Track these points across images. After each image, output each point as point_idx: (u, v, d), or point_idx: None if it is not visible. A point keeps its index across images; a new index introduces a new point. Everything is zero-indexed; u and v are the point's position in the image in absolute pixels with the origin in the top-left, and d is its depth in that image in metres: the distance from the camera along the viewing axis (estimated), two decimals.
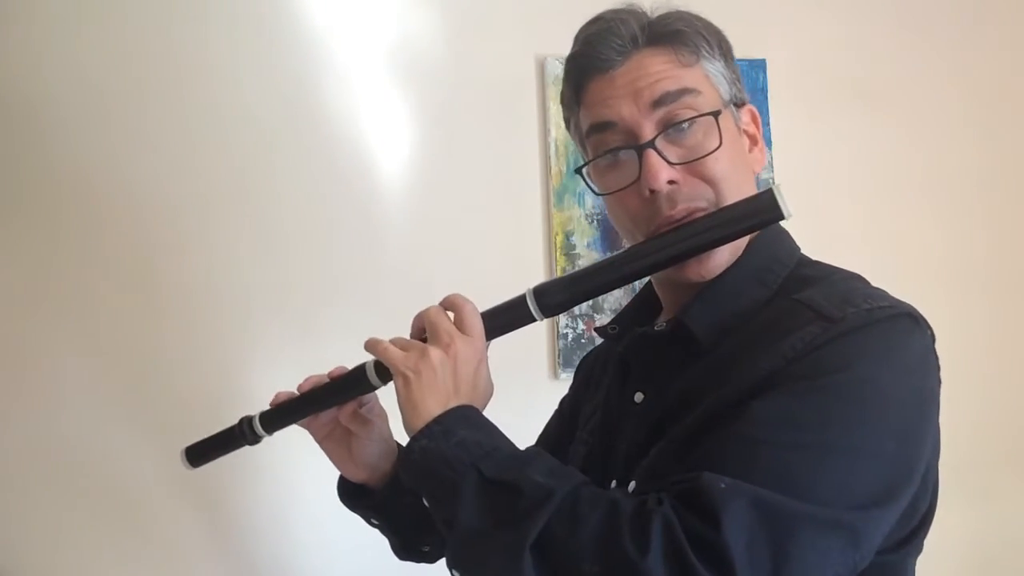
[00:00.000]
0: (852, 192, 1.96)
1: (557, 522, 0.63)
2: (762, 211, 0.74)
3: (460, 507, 0.66)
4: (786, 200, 0.72)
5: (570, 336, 1.74)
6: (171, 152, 1.61)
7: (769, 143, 1.90)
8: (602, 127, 0.80)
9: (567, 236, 1.76)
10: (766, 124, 1.91)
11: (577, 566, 0.61)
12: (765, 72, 1.91)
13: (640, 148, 0.77)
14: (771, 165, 1.89)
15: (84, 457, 1.53)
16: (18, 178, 1.57)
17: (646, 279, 0.91)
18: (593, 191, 0.85)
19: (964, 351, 1.94)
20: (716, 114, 0.78)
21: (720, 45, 0.83)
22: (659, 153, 0.77)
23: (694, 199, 0.78)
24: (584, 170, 0.85)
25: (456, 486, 0.67)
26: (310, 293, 1.65)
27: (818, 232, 1.89)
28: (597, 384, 0.95)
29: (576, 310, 1.74)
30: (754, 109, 0.88)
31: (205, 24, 1.65)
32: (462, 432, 0.71)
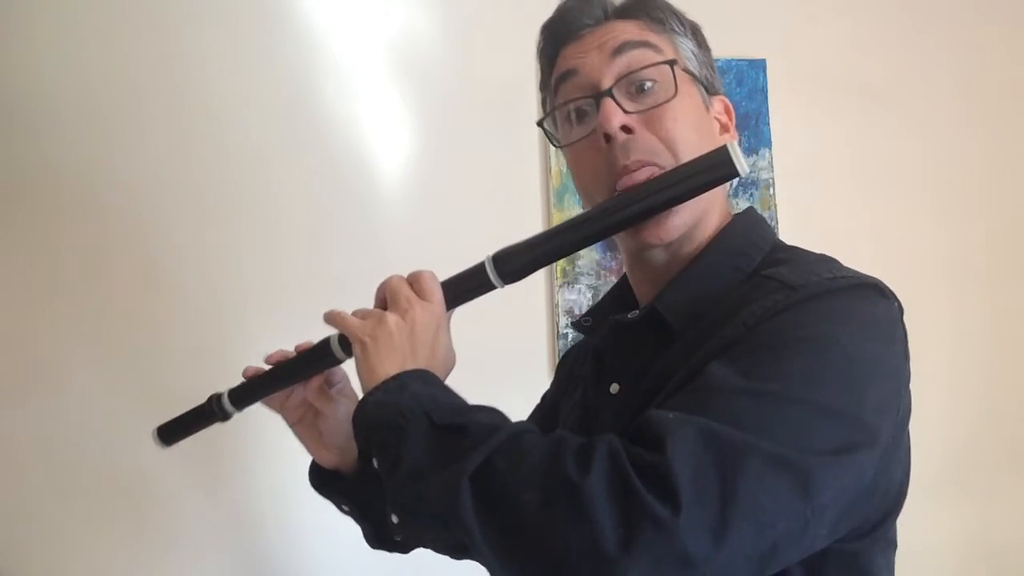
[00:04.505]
0: (852, 191, 1.96)
1: (499, 456, 0.62)
2: (716, 167, 0.74)
3: (405, 449, 0.65)
4: (740, 156, 0.72)
5: (570, 336, 1.74)
6: (171, 151, 1.61)
7: (769, 143, 1.90)
8: (566, 75, 0.83)
9: None
10: (766, 124, 1.91)
11: (516, 496, 0.60)
12: (765, 72, 1.91)
13: (599, 96, 0.79)
14: (771, 165, 1.89)
15: (87, 455, 1.53)
16: (17, 178, 1.56)
17: (622, 274, 0.92)
18: (554, 144, 0.88)
19: (965, 349, 1.94)
20: (671, 63, 0.80)
21: (694, 31, 0.86)
22: (616, 101, 0.78)
23: (649, 153, 0.78)
24: (547, 124, 0.88)
25: (404, 431, 0.66)
26: (309, 291, 1.64)
27: (818, 231, 1.89)
28: (578, 380, 0.94)
29: (576, 310, 1.74)
30: (727, 101, 0.88)
31: (205, 25, 1.65)
32: (416, 387, 0.70)
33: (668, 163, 0.78)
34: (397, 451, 0.66)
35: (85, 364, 1.55)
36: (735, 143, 0.73)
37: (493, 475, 0.61)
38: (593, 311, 0.94)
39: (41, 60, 1.57)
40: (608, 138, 0.78)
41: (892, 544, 0.76)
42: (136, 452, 1.54)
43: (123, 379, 1.56)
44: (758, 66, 1.91)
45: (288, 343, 1.61)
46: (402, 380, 0.70)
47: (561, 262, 1.75)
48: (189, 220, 1.61)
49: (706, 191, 0.76)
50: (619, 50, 0.80)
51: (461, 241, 1.73)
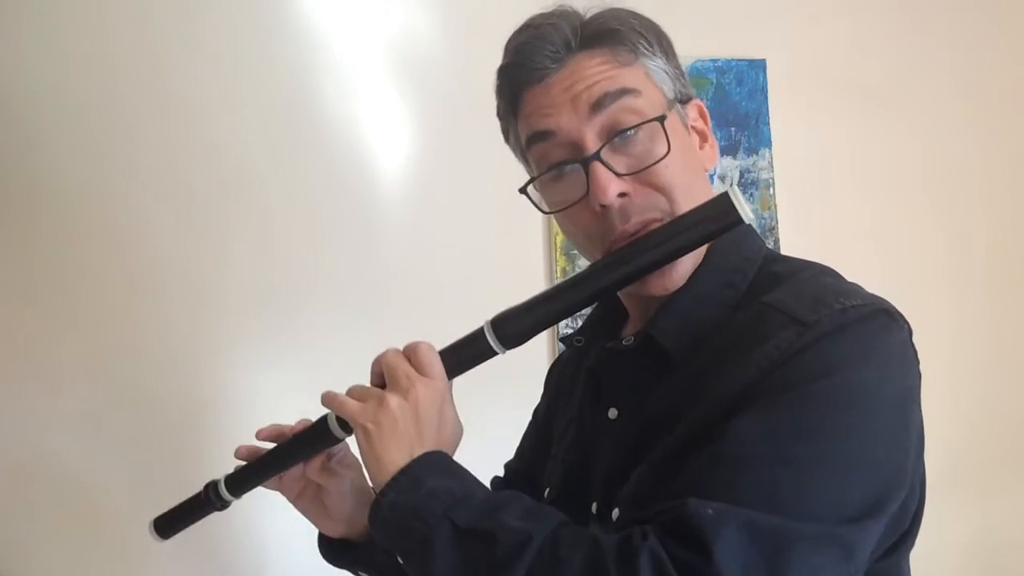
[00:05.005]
0: (852, 191, 1.96)
1: (538, 568, 0.60)
2: (719, 217, 0.71)
3: (434, 562, 0.63)
4: (743, 202, 0.69)
5: None
6: (168, 151, 1.60)
7: (769, 143, 1.90)
8: (541, 136, 0.77)
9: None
10: (766, 124, 1.91)
11: None
12: (765, 72, 1.91)
13: (586, 161, 0.74)
14: (771, 165, 1.89)
15: (84, 456, 1.52)
16: (3, 179, 1.53)
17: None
18: (540, 210, 0.81)
19: (965, 349, 1.95)
20: (661, 119, 0.74)
21: (660, 41, 0.79)
22: (606, 165, 0.73)
23: (647, 211, 0.75)
24: (528, 187, 0.81)
25: (429, 540, 0.63)
26: (309, 292, 1.64)
27: (818, 231, 1.90)
28: (569, 395, 0.92)
29: (578, 313, 1.74)
30: (701, 104, 0.83)
31: (204, 25, 1.64)
32: (431, 481, 0.67)
33: (665, 209, 0.75)
34: (424, 561, 0.64)
35: (80, 365, 1.54)
36: (734, 188, 0.70)
37: None
38: (585, 329, 0.91)
39: (30, 59, 1.55)
40: (603, 206, 0.74)
41: (913, 545, 0.76)
42: (133, 452, 1.54)
43: (120, 380, 1.56)
44: (758, 66, 1.91)
45: (287, 344, 1.62)
46: (414, 474, 0.68)
47: (562, 264, 1.75)
48: (185, 221, 1.60)
49: (712, 240, 0.74)
50: (597, 106, 0.74)
51: (461, 242, 1.74)
